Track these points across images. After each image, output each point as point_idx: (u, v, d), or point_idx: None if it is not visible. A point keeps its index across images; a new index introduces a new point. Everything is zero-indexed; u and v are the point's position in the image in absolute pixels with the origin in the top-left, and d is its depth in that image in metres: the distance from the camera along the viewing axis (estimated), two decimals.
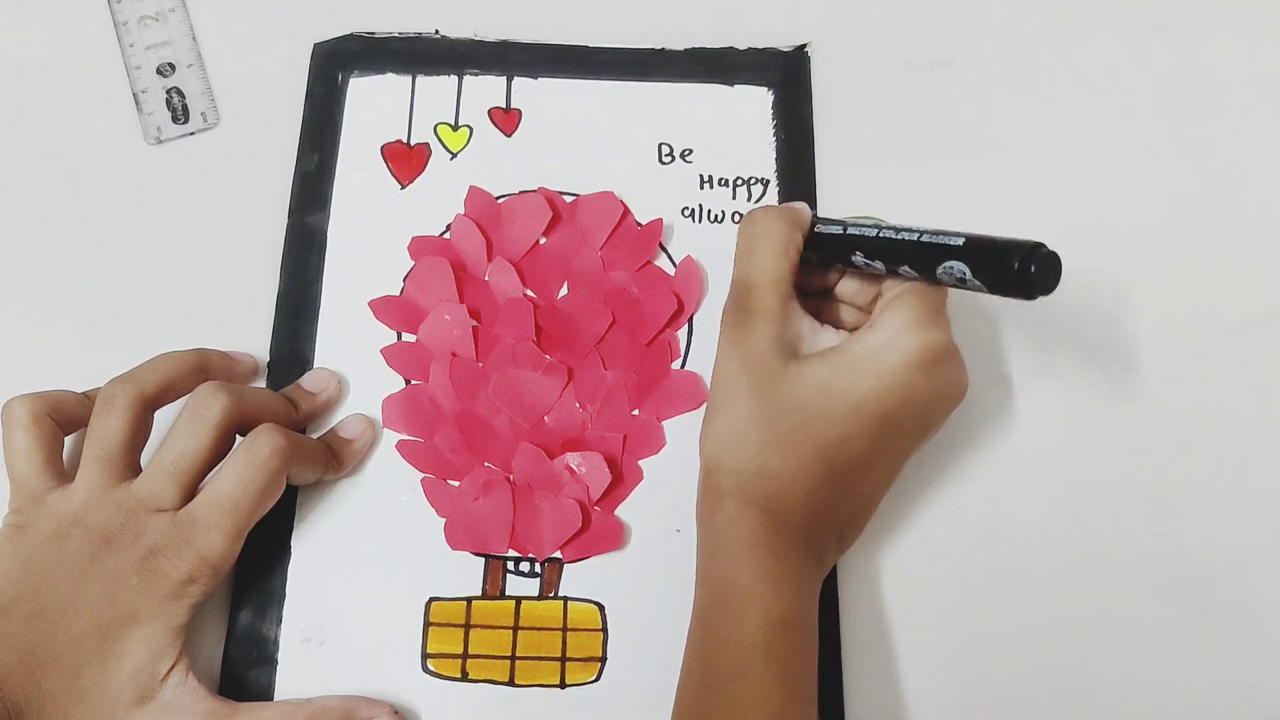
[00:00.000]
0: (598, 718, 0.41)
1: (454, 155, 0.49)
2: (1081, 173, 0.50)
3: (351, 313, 0.46)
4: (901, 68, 0.52)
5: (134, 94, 0.50)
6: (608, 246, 0.47)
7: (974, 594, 0.43)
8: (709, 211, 0.49)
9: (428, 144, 0.50)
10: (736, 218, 0.48)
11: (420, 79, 0.51)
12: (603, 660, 0.41)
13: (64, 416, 0.40)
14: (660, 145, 0.50)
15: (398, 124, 0.50)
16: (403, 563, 0.42)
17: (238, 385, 0.41)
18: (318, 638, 0.41)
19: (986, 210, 0.48)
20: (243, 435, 0.40)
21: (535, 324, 0.46)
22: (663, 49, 0.51)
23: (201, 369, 0.42)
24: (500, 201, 0.48)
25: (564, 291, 0.47)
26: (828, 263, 0.41)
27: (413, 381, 0.45)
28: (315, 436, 0.43)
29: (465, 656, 0.41)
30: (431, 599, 0.42)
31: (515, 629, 0.42)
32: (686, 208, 0.49)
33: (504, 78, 0.51)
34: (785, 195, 0.49)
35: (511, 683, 0.41)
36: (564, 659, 0.41)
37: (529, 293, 0.47)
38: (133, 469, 0.39)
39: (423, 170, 0.49)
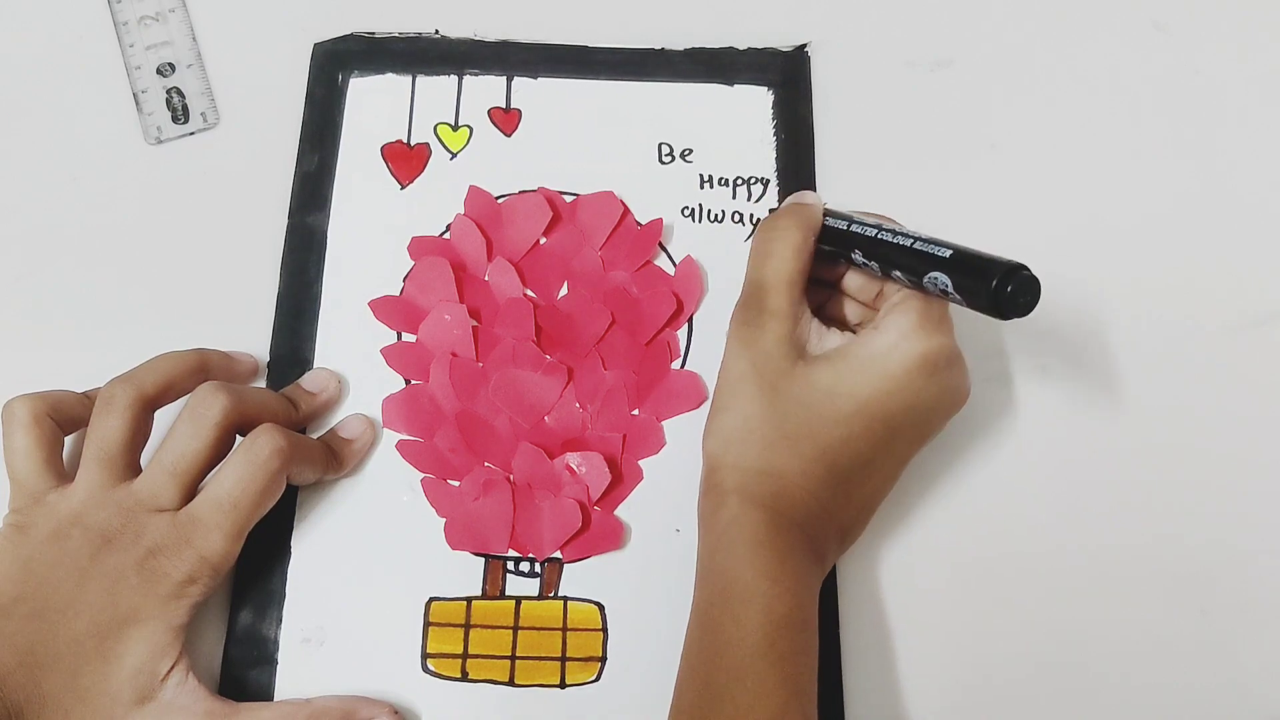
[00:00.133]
0: (598, 718, 0.41)
1: (454, 155, 0.49)
2: (1081, 172, 0.50)
3: (351, 313, 0.46)
4: (901, 68, 0.52)
5: (134, 94, 0.50)
6: (608, 246, 0.47)
7: (974, 594, 0.43)
8: (709, 211, 0.49)
9: (428, 144, 0.50)
10: (736, 217, 0.48)
11: (420, 79, 0.51)
12: (603, 660, 0.41)
13: (64, 416, 0.40)
14: (660, 145, 0.50)
15: (398, 124, 0.50)
16: (403, 563, 0.42)
17: (238, 385, 0.41)
18: (318, 638, 0.41)
19: (986, 210, 0.48)
20: (243, 435, 0.40)
21: (535, 324, 0.46)
22: (662, 49, 0.51)
23: (201, 369, 0.42)
24: (500, 201, 0.48)
25: (564, 291, 0.47)
26: (832, 256, 0.41)
27: (413, 381, 0.45)
28: (315, 436, 0.43)
29: (465, 656, 0.41)
30: (431, 599, 0.42)
31: (515, 629, 0.42)
32: (686, 207, 0.49)
33: (504, 78, 0.51)
34: (785, 195, 0.49)
35: (511, 683, 0.41)
36: (564, 659, 0.41)
37: (529, 293, 0.47)
38: (133, 469, 0.39)
39: (423, 170, 0.49)
